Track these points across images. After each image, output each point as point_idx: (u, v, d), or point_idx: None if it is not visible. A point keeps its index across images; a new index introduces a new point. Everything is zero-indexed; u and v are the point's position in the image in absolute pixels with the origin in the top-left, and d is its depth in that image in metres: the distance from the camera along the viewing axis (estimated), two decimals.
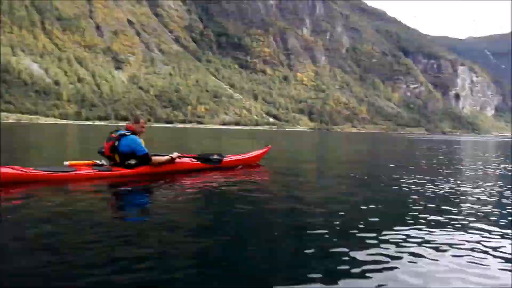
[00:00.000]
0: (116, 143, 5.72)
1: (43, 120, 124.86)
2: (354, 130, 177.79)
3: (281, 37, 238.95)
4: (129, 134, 5.79)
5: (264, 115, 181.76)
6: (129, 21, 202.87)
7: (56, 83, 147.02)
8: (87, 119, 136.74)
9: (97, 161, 5.91)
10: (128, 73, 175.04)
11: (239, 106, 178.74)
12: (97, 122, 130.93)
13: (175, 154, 6.27)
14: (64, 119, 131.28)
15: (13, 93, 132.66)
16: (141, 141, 5.85)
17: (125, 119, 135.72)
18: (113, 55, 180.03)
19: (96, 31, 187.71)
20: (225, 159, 7.11)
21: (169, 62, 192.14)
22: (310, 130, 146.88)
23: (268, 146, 8.81)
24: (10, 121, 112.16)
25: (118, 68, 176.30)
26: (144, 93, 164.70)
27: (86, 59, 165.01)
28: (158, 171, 6.02)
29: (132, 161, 5.75)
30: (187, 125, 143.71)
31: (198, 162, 6.70)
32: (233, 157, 7.52)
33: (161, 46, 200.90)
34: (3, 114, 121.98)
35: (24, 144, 14.94)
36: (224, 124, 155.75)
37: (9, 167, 5.05)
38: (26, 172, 5.06)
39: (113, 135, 5.81)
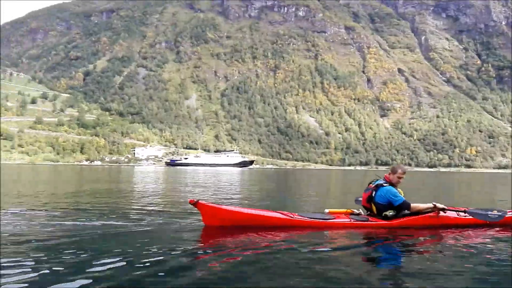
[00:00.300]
0: (373, 194, 5.72)
1: (312, 166, 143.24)
2: None
3: None
4: (386, 185, 5.69)
5: None
6: (399, 70, 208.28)
7: (327, 133, 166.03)
8: (350, 164, 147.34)
9: (355, 210, 5.97)
10: (392, 120, 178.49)
11: None
12: (358, 167, 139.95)
13: (439, 205, 5.75)
14: (329, 165, 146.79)
15: (292, 144, 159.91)
16: (397, 191, 5.67)
17: (385, 164, 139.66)
18: (380, 104, 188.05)
19: (367, 84, 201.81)
20: (508, 215, 5.78)
21: (437, 104, 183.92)
22: None
23: None
24: (288, 167, 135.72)
25: (383, 115, 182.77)
26: (407, 138, 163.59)
27: (354, 110, 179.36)
28: (418, 224, 5.63)
29: (390, 213, 5.61)
30: (453, 169, 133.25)
31: (468, 217, 5.78)
32: None
33: (430, 89, 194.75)
34: (283, 161, 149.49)
35: (294, 188, 17.95)
36: (500, 167, 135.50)
37: (278, 212, 5.70)
38: (292, 218, 5.54)
39: (371, 185, 5.83)
